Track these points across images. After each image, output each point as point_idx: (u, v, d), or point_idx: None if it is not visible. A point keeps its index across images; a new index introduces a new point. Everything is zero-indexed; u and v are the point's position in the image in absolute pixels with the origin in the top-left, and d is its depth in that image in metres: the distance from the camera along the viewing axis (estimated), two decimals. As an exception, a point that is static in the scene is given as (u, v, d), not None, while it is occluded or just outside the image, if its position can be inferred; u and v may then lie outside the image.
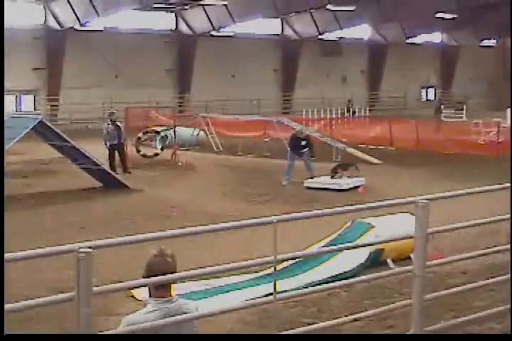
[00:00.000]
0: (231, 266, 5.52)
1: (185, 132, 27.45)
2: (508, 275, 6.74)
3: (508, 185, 6.96)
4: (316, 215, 5.91)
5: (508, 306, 6.76)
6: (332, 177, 19.60)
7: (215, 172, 21.88)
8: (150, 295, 4.46)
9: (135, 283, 4.51)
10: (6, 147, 16.76)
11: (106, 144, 21.42)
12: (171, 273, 4.43)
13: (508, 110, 39.67)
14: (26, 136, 17.41)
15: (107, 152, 21.23)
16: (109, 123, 21.59)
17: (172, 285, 4.52)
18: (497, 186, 7.00)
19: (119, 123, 21.84)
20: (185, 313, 4.48)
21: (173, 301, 4.44)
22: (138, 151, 24.20)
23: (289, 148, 21.04)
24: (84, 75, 39.63)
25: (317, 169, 20.87)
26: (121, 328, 4.34)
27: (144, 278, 4.44)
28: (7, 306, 4.12)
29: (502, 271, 8.17)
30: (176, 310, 4.42)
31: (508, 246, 6.82)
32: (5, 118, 18.52)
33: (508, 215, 6.84)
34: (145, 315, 4.36)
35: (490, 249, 7.09)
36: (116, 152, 21.30)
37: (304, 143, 20.82)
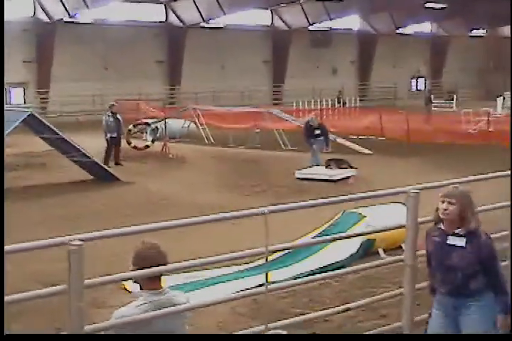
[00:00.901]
0: (222, 257, 5.53)
1: (175, 124, 27.40)
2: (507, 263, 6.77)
3: (507, 172, 7.00)
4: (307, 206, 5.92)
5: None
6: (326, 167, 19.62)
7: (206, 164, 21.87)
8: (141, 288, 4.46)
9: (126, 276, 4.51)
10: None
11: (106, 136, 21.28)
12: (162, 264, 4.43)
13: (499, 99, 39.77)
14: (16, 129, 17.36)
15: (106, 144, 21.15)
16: (109, 115, 21.45)
17: (162, 277, 4.52)
18: (488, 175, 7.02)
19: (118, 116, 21.65)
20: (177, 305, 4.48)
21: (163, 293, 4.44)
22: (129, 143, 24.15)
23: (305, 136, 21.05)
24: (74, 67, 39.49)
25: (308, 160, 20.89)
26: (112, 321, 4.34)
27: (133, 270, 4.43)
28: None
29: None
30: (167, 302, 4.42)
31: (503, 233, 6.86)
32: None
33: (500, 204, 6.88)
34: (136, 308, 4.35)
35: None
36: (113, 145, 21.22)
37: (317, 132, 20.69)
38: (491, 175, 7.28)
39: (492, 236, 7.03)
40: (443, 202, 5.31)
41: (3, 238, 6.63)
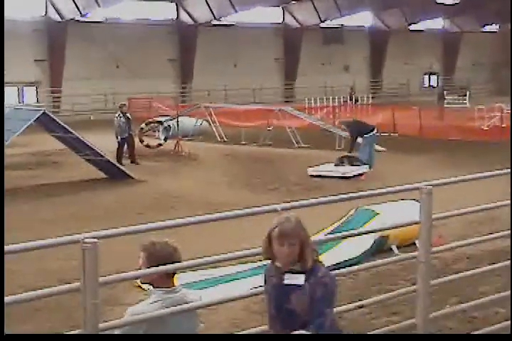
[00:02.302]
0: (236, 255, 5.53)
1: (188, 122, 27.42)
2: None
3: (508, 170, 6.95)
4: (320, 203, 5.90)
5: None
6: (336, 165, 19.58)
7: (219, 161, 21.88)
8: (153, 286, 4.47)
9: (142, 273, 4.52)
10: (10, 139, 16.79)
11: (117, 138, 21.15)
12: (176, 262, 4.43)
13: (511, 95, 39.55)
14: (29, 128, 17.43)
15: (117, 145, 21.08)
16: (120, 115, 21.37)
17: (176, 275, 4.53)
18: (498, 172, 6.98)
19: (129, 115, 21.59)
20: (190, 303, 4.49)
21: (177, 291, 4.45)
22: (141, 142, 24.19)
23: None
24: (86, 66, 39.60)
25: (321, 157, 20.89)
26: (126, 318, 4.35)
27: (148, 267, 4.44)
28: (16, 297, 4.15)
29: (505, 256, 8.18)
30: (180, 300, 4.42)
31: (509, 232, 6.82)
32: (7, 110, 18.51)
33: (509, 201, 6.85)
34: (150, 306, 4.36)
35: (493, 235, 7.08)
36: (125, 144, 21.18)
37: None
38: (503, 171, 7.24)
39: (498, 234, 7.05)
40: (281, 244, 4.22)
41: (3, 238, 6.65)
